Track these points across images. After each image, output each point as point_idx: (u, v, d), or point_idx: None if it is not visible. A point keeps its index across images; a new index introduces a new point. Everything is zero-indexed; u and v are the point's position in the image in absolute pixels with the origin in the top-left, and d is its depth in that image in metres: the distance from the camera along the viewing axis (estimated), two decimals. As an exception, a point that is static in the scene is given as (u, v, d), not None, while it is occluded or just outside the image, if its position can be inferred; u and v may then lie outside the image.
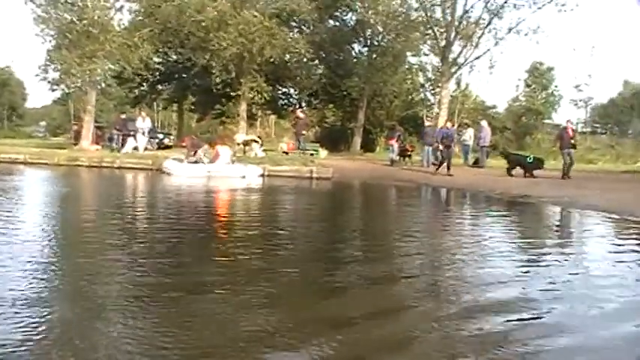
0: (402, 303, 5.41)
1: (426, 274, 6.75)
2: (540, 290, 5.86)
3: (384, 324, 4.70)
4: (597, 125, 45.22)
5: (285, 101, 41.17)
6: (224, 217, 11.77)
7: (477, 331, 4.52)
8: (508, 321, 4.75)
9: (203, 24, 28.74)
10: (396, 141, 27.01)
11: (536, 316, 4.95)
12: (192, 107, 41.57)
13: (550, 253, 8.43)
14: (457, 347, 4.21)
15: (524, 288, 5.92)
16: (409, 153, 27.75)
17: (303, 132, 28.40)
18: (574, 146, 21.60)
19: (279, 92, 39.29)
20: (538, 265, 7.37)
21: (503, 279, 6.30)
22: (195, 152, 22.37)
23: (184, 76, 36.97)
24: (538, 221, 13.59)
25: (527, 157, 22.73)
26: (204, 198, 15.98)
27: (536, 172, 21.31)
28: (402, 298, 5.62)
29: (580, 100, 42.68)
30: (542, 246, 9.33)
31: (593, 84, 61.20)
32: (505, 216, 14.03)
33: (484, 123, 27.56)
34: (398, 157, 27.01)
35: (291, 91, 40.38)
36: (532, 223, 13.02)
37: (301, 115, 29.24)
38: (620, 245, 9.48)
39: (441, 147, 23.79)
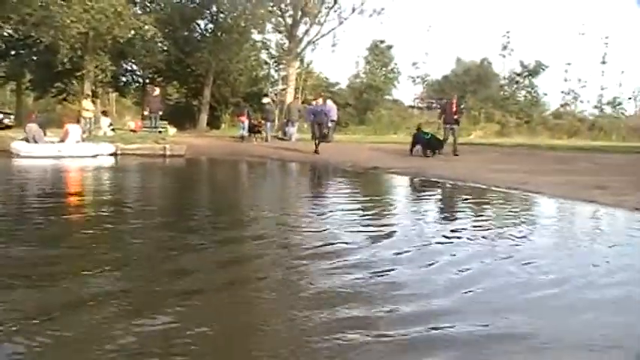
0: (248, 257, 6.59)
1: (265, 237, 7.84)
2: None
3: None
4: (432, 100, 47.97)
5: (129, 78, 40.93)
6: (77, 197, 12.12)
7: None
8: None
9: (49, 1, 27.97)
10: (246, 117, 27.87)
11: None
12: (30, 85, 40.13)
13: (384, 214, 10.23)
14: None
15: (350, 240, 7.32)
16: (259, 129, 28.58)
17: (160, 110, 28.50)
18: (457, 122, 21.55)
19: (122, 69, 38.92)
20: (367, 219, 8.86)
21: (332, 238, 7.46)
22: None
23: (21, 52, 35.79)
24: (379, 189, 15.30)
25: (426, 134, 21.95)
26: (54, 178, 16.04)
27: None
28: (249, 254, 6.75)
29: (417, 77, 45.40)
30: (374, 208, 10.94)
31: (430, 61, 64.50)
32: (350, 185, 15.64)
33: (329, 102, 29.01)
34: (248, 134, 27.85)
35: (134, 67, 40.17)
36: (373, 191, 14.67)
37: (157, 92, 29.20)
38: (445, 204, 11.32)
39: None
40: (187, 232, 7.93)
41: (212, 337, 4.16)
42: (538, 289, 5.28)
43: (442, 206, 12.01)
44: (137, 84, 41.05)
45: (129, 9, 31.04)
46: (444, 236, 7.73)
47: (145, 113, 29.10)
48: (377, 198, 13.19)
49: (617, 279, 5.75)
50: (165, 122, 30.02)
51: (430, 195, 13.69)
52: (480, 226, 8.66)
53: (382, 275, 5.65)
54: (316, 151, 22.14)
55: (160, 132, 27.82)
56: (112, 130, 27.85)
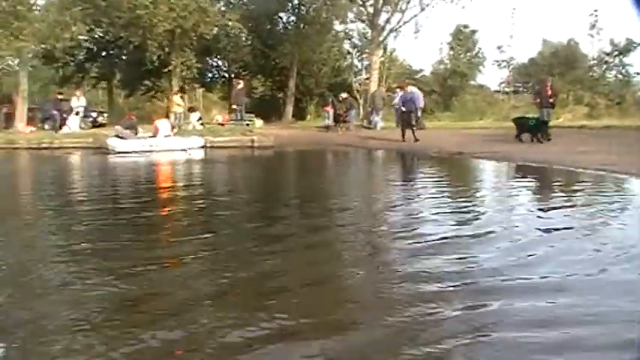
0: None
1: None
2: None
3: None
4: (519, 84, 47.08)
5: (214, 74, 41.93)
6: (179, 188, 12.86)
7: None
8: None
9: (136, 4, 29.13)
10: (332, 107, 28.27)
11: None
12: (119, 84, 41.74)
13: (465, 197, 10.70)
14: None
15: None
16: (344, 119, 28.86)
17: (244, 103, 29.28)
18: (552, 105, 21.15)
19: (208, 65, 39.97)
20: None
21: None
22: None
23: (111, 53, 37.33)
24: (463, 172, 15.99)
25: (530, 119, 20.87)
26: (152, 170, 17.39)
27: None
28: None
29: (503, 61, 44.65)
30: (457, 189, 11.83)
31: (515, 44, 63.10)
32: (434, 169, 16.16)
33: (414, 89, 28.99)
34: (333, 123, 28.24)
35: (220, 63, 41.16)
36: (455, 174, 15.52)
37: (241, 85, 29.94)
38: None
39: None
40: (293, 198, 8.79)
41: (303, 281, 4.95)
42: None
43: (527, 187, 12.12)
44: (223, 79, 41.99)
45: (213, 5, 31.94)
46: (526, 213, 8.07)
47: (234, 107, 29.73)
48: (460, 181, 13.55)
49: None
50: (252, 115, 30.68)
51: (516, 178, 13.90)
52: (562, 206, 8.86)
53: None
54: (403, 139, 21.98)
55: (247, 124, 28.50)
56: (201, 124, 28.70)
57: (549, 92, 20.98)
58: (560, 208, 8.65)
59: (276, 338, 3.71)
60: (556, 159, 15.37)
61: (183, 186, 12.91)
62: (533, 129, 19.99)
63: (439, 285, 4.68)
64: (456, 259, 5.52)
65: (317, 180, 14.41)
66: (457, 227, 7.08)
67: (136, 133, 22.97)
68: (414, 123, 22.36)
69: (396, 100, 24.18)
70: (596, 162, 14.14)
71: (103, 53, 38.06)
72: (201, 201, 10.01)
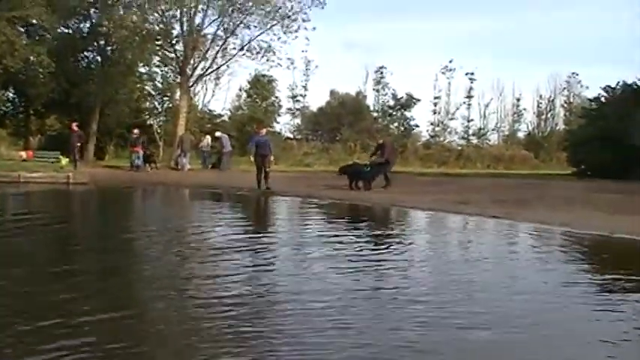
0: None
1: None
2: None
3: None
4: (308, 132, 50.20)
5: (10, 108, 40.83)
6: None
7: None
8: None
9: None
10: (142, 148, 29.56)
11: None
12: None
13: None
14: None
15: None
16: (153, 159, 30.24)
17: (78, 144, 29.50)
18: (388, 161, 21.39)
19: (5, 100, 39.10)
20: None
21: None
22: None
23: None
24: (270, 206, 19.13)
25: (365, 165, 21.68)
26: None
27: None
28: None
29: (297, 110, 47.88)
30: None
31: (308, 94, 66.89)
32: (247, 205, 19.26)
33: (218, 133, 31.63)
34: (143, 163, 29.51)
35: (15, 97, 40.24)
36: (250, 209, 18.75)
37: (76, 128, 30.22)
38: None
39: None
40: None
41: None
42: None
43: (323, 217, 15.51)
44: (20, 114, 41.02)
45: (22, 39, 31.95)
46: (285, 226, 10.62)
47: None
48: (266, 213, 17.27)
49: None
50: (58, 153, 30.91)
51: (318, 212, 16.84)
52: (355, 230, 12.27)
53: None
54: (259, 186, 21.54)
55: (52, 162, 28.92)
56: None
57: (386, 150, 21.51)
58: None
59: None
60: (356, 196, 18.74)
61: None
62: (368, 175, 20.52)
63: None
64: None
65: (131, 214, 17.09)
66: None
67: None
68: (268, 169, 21.75)
69: (250, 144, 23.80)
70: (392, 199, 17.54)
71: None
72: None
